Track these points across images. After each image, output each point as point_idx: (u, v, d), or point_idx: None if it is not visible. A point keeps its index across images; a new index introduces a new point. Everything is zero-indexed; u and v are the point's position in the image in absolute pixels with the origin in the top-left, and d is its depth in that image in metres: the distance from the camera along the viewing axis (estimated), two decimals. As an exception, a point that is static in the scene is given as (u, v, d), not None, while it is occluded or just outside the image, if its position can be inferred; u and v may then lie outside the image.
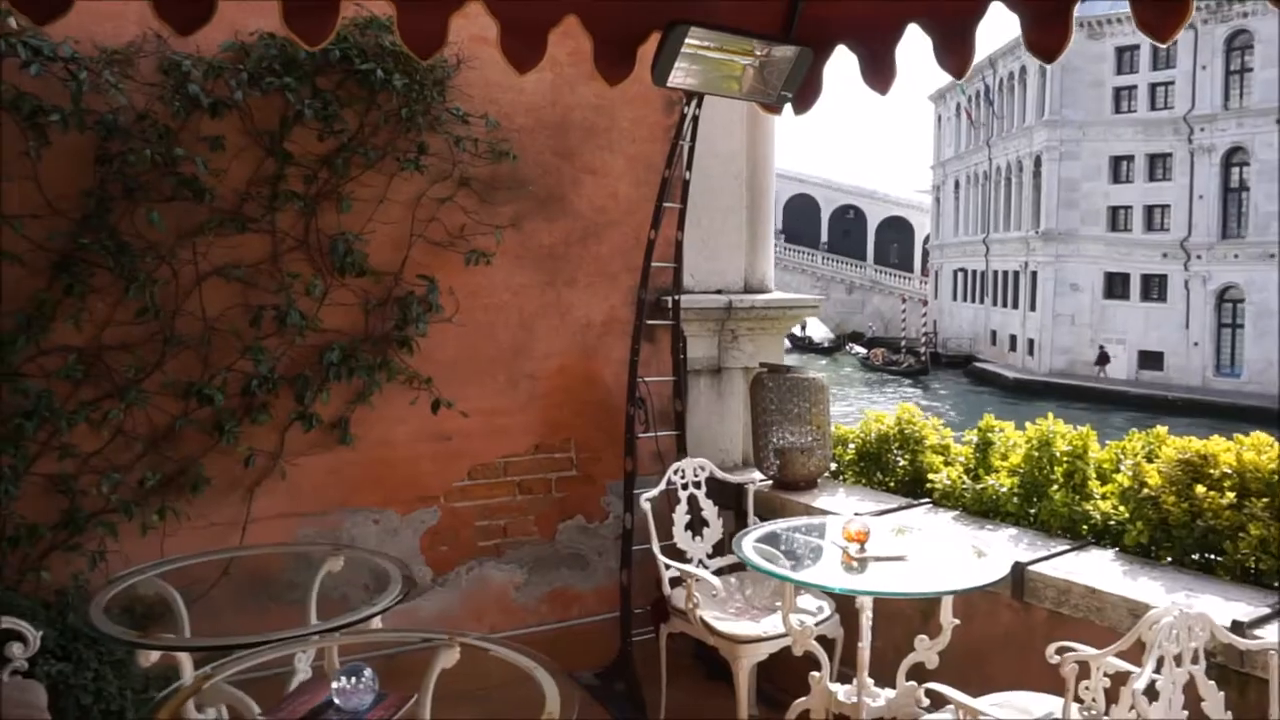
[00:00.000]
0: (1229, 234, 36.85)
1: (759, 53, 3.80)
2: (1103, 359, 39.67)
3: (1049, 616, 3.39)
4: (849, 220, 64.62)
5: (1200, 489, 3.37)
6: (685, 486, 4.20)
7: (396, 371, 4.14)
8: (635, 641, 4.35)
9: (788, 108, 4.25)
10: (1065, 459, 3.89)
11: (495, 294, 4.43)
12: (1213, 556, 3.37)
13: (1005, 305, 45.92)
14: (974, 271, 50.19)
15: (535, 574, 4.63)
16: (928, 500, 4.26)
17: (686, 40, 3.80)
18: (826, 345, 58.59)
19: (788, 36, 3.53)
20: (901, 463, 4.58)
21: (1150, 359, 38.79)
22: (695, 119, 4.28)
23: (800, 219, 64.61)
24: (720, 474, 4.30)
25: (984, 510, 4.04)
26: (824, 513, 4.23)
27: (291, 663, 3.06)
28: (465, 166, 4.28)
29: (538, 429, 4.58)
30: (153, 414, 3.75)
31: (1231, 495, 3.31)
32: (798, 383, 4.47)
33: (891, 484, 4.60)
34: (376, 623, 2.81)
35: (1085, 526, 3.72)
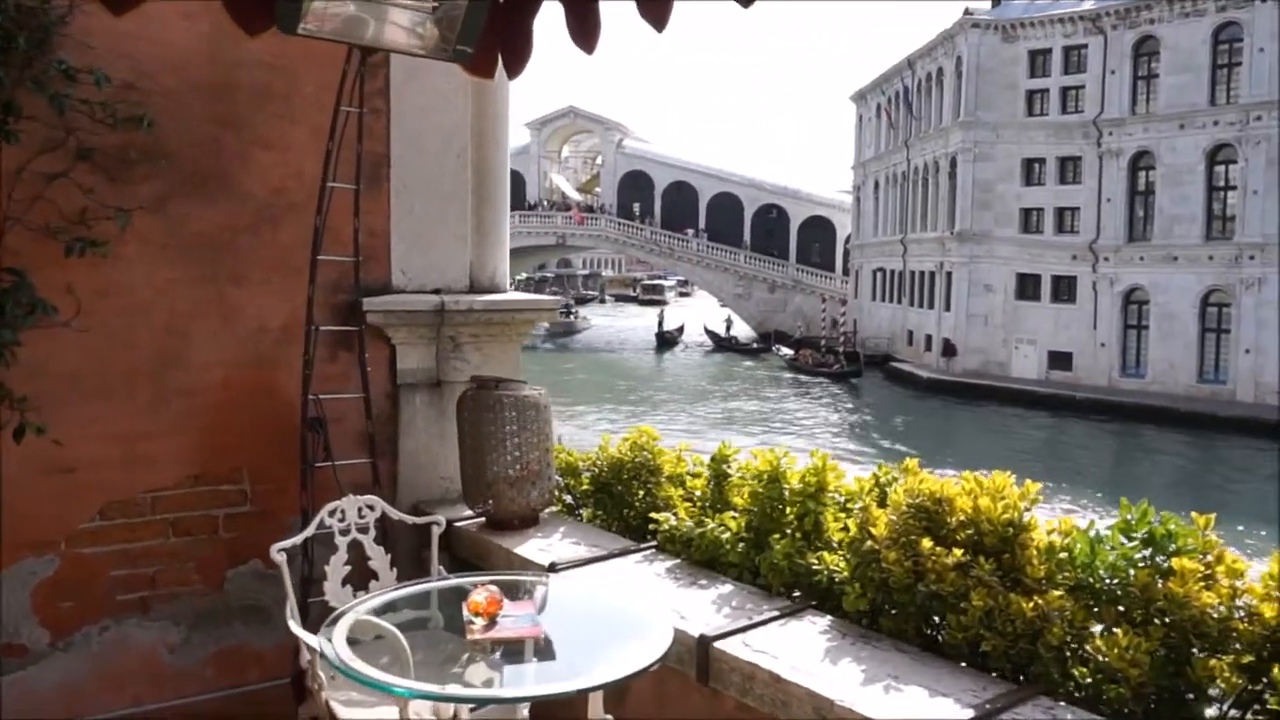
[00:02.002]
0: (1135, 237, 37.25)
1: (434, -4, 3.02)
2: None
3: (737, 708, 2.69)
4: (772, 220, 64.44)
5: (926, 543, 2.69)
6: (346, 531, 3.42)
7: (-23, 389, 3.29)
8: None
9: (501, 72, 3.49)
10: (796, 499, 3.19)
11: (133, 292, 3.61)
12: (939, 629, 2.70)
13: (922, 305, 46.02)
14: (892, 271, 50.26)
15: (197, 632, 3.81)
16: (652, 544, 3.55)
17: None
18: (754, 346, 57.69)
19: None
20: (641, 495, 3.86)
21: (1059, 359, 39.11)
22: (361, 78, 3.49)
23: (723, 218, 64.34)
24: (396, 514, 3.53)
25: (708, 559, 3.34)
26: (527, 562, 3.50)
27: None
28: (85, 135, 3.44)
29: (197, 456, 3.76)
30: None
31: (959, 553, 2.64)
32: (510, 400, 3.72)
33: (633, 520, 3.88)
34: None
35: (810, 584, 3.03)
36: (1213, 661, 2.32)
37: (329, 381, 3.91)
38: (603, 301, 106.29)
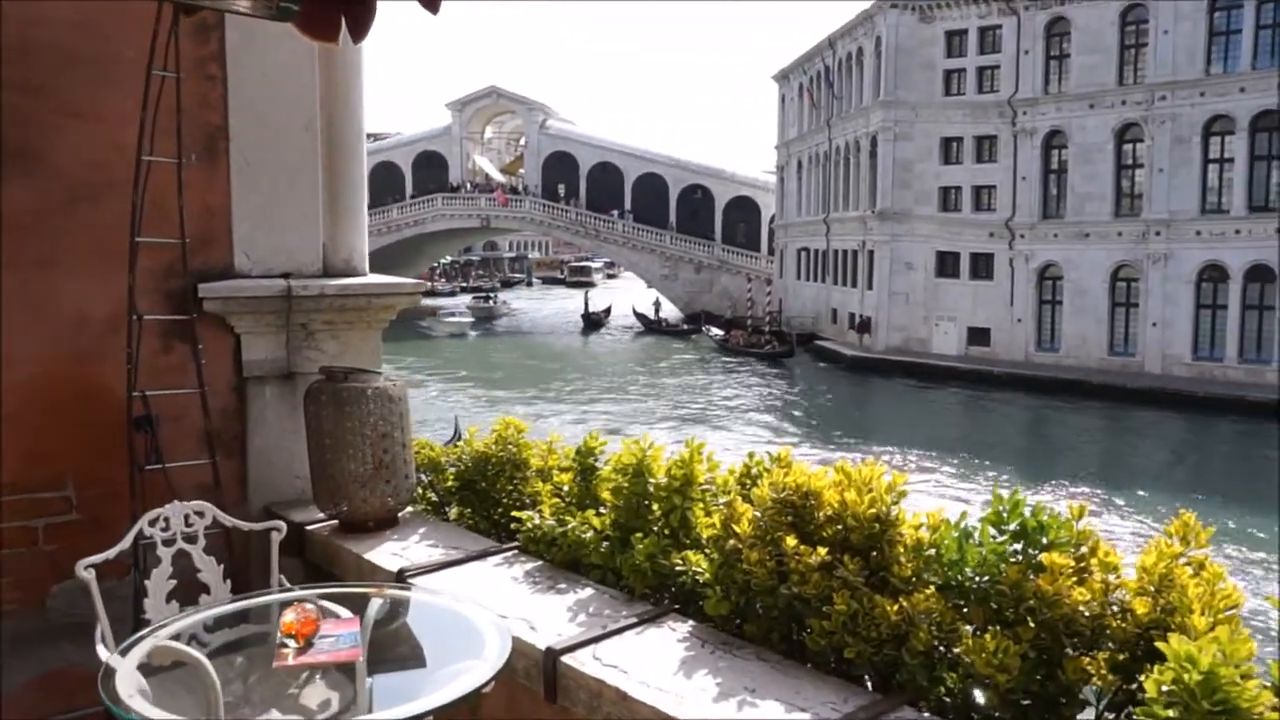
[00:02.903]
0: (1049, 214, 38.06)
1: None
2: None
3: (588, 727, 2.46)
4: (697, 200, 64.37)
5: (790, 541, 2.48)
6: (171, 541, 3.09)
7: None
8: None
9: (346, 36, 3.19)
10: (662, 493, 2.96)
11: (-79, 280, 3.21)
12: (804, 634, 2.50)
13: (845, 284, 46.46)
14: (816, 251, 50.64)
15: (16, 655, 3.45)
16: (515, 545, 3.30)
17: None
18: (684, 328, 57.19)
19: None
20: (509, 491, 3.60)
21: (978, 335, 39.85)
22: (174, 35, 3.14)
23: (648, 199, 64.10)
24: (230, 520, 3.22)
25: (571, 560, 3.10)
26: (376, 568, 3.21)
27: None
28: None
29: (9, 462, 3.39)
30: None
31: (824, 552, 2.43)
32: (359, 393, 3.42)
33: (501, 518, 3.62)
34: None
35: (675, 586, 2.81)
36: (1085, 661, 2.15)
37: (164, 376, 3.56)
38: (530, 284, 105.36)
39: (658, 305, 61.35)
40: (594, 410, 32.35)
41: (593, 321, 61.87)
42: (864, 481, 2.53)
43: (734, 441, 27.24)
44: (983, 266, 39.98)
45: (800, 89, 53.41)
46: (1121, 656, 2.16)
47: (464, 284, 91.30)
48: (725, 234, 63.28)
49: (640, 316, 60.45)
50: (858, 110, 44.91)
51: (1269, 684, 1.91)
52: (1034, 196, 38.22)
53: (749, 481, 2.92)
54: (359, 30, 3.00)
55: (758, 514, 2.62)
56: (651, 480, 2.98)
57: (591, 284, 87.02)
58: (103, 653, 2.77)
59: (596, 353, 51.78)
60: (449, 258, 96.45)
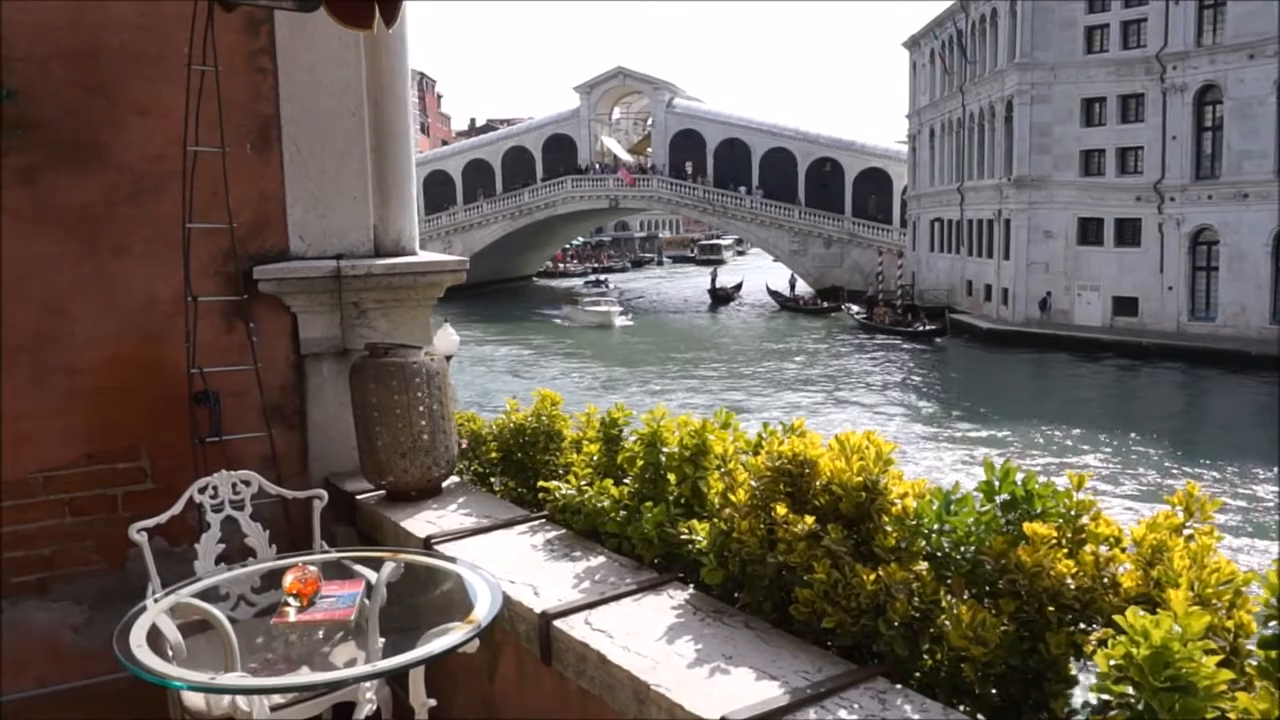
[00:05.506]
0: (1202, 175, 35.69)
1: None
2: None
3: (580, 692, 2.51)
4: (826, 173, 63.10)
5: (781, 510, 2.47)
6: (219, 508, 3.30)
7: None
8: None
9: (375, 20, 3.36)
10: (675, 463, 2.98)
11: (3, 269, 3.51)
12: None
13: (980, 254, 44.81)
14: (950, 221, 48.99)
15: (102, 611, 3.75)
16: (544, 514, 3.38)
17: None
18: (823, 305, 54.56)
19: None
20: (548, 462, 3.69)
21: (1124, 305, 37.84)
22: (210, 30, 3.31)
23: (776, 174, 63.28)
24: (275, 489, 3.40)
25: (591, 529, 3.16)
26: (410, 536, 3.35)
27: None
28: (-56, 107, 3.34)
29: (88, 434, 3.68)
30: None
31: (811, 520, 2.41)
32: (402, 367, 3.55)
33: (540, 488, 3.71)
34: None
35: (682, 555, 2.83)
36: (1074, 636, 2.08)
37: (226, 354, 3.79)
38: (660, 263, 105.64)
39: (793, 282, 59.87)
40: (727, 396, 31.95)
41: (720, 297, 61.43)
42: (854, 450, 2.49)
43: (872, 422, 26.66)
44: (1129, 232, 37.85)
45: (932, 55, 51.61)
46: (1109, 631, 2.06)
47: (595, 265, 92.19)
48: (856, 207, 61.87)
49: (775, 294, 58.66)
50: (992, 74, 43.09)
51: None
52: (1185, 157, 35.87)
53: (760, 451, 2.91)
54: (390, 16, 3.13)
55: (754, 484, 2.61)
56: (665, 450, 3.00)
57: (721, 261, 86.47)
58: (150, 596, 3.00)
59: (727, 334, 50.40)
60: (580, 239, 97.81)
